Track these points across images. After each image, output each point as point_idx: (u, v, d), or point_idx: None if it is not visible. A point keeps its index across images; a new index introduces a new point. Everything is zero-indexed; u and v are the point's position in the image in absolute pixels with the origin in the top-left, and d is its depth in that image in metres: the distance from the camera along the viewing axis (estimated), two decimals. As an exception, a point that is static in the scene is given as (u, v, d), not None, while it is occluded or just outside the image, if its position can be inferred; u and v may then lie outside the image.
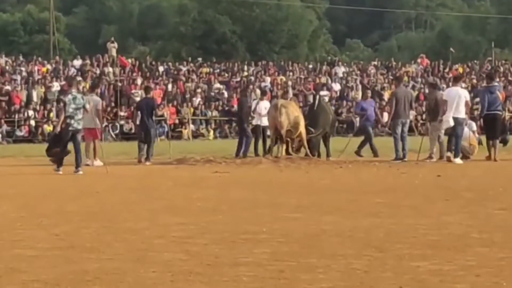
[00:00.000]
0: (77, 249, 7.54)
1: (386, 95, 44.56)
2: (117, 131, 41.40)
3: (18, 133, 40.14)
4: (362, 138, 24.00)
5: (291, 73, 51.61)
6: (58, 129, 19.05)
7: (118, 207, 11.23)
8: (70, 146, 18.61)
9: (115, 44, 50.97)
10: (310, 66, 55.65)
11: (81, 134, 19.32)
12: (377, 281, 5.97)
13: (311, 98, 39.25)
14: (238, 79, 49.78)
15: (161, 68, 50.41)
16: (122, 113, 42.34)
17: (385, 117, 25.26)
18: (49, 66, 48.05)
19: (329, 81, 50.49)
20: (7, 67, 46.72)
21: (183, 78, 48.32)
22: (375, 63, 57.15)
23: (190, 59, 54.71)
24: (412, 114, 23.99)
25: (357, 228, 8.67)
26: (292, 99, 25.38)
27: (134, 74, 47.81)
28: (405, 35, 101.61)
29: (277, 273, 6.27)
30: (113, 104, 42.56)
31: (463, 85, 23.47)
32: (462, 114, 20.13)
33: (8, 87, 43.26)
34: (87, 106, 18.71)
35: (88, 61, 48.81)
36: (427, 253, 7.08)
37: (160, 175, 17.69)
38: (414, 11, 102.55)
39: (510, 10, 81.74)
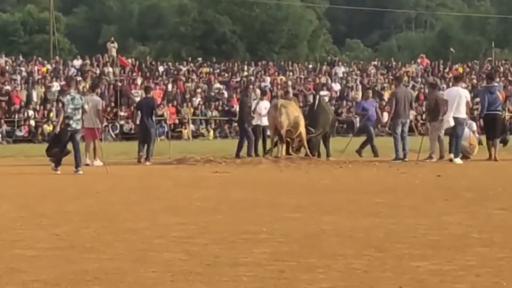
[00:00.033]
0: (77, 249, 7.54)
1: (386, 95, 44.56)
2: (117, 131, 41.41)
3: (18, 133, 40.15)
4: (363, 138, 24.00)
5: (291, 73, 51.62)
6: (58, 129, 19.05)
7: (118, 207, 11.23)
8: (70, 146, 18.62)
9: (115, 44, 50.99)
10: (310, 66, 55.66)
11: (80, 134, 19.32)
12: (377, 281, 5.97)
13: (311, 98, 39.27)
14: (238, 79, 49.79)
15: (161, 68, 50.42)
16: (122, 113, 42.35)
17: (385, 117, 25.25)
18: (49, 66, 48.06)
19: (329, 81, 50.50)
20: (7, 67, 46.73)
21: (183, 78, 48.33)
22: (375, 63, 57.17)
23: (190, 59, 54.72)
24: (412, 114, 23.99)
25: (357, 228, 8.67)
26: (292, 99, 25.35)
27: (134, 74, 47.83)
28: (405, 35, 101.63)
29: (277, 273, 6.27)
30: (113, 104, 42.56)
31: (463, 85, 23.43)
32: (462, 114, 20.14)
33: (8, 87, 43.27)
34: (86, 106, 18.73)
35: (88, 61, 48.83)
36: (427, 253, 7.08)
37: (160, 175, 17.69)
38: (414, 11, 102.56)
39: (510, 10, 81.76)
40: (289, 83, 48.89)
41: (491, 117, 20.63)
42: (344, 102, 46.94)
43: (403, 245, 7.50)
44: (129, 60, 50.88)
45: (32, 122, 40.60)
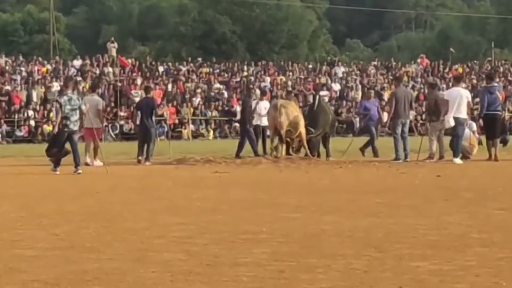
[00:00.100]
0: (77, 249, 7.54)
1: (386, 95, 44.57)
2: (117, 131, 41.41)
3: (18, 133, 40.16)
4: (365, 137, 23.98)
5: (291, 73, 51.62)
6: (56, 129, 19.09)
7: (118, 207, 11.23)
8: (69, 146, 18.63)
9: (115, 44, 50.98)
10: (310, 66, 55.65)
11: (78, 135, 19.32)
12: (377, 281, 5.97)
13: (311, 98, 39.29)
14: (238, 79, 49.80)
15: (161, 68, 50.42)
16: (122, 113, 42.35)
17: (385, 117, 25.25)
18: (49, 66, 48.06)
19: (329, 81, 50.51)
20: (7, 67, 46.73)
21: (183, 78, 48.33)
22: (375, 63, 57.17)
23: (190, 59, 54.72)
24: (412, 114, 23.99)
25: (356, 228, 8.68)
26: (292, 99, 25.35)
27: (134, 74, 47.83)
28: (405, 35, 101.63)
29: (277, 273, 6.27)
30: (113, 104, 42.56)
31: (463, 85, 23.45)
32: (463, 114, 20.15)
33: (8, 87, 43.27)
34: (83, 107, 18.77)
35: (88, 61, 48.83)
36: (426, 253, 7.08)
37: (160, 175, 17.70)
38: (414, 11, 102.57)
39: (510, 10, 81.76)
40: (289, 83, 48.89)
41: (491, 117, 20.63)
42: (344, 102, 46.96)
43: (402, 245, 7.50)
44: (129, 60, 50.89)
45: (32, 122, 40.61)
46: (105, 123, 32.93)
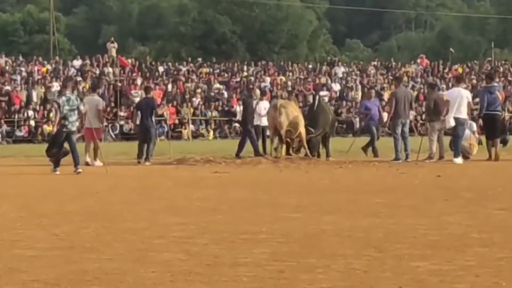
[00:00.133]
0: (77, 249, 7.54)
1: (386, 95, 44.58)
2: (117, 131, 41.41)
3: (18, 133, 40.16)
4: (367, 137, 23.98)
5: (290, 73, 51.62)
6: (55, 130, 19.13)
7: (118, 207, 11.23)
8: (68, 146, 18.65)
9: (115, 44, 50.98)
10: (310, 66, 55.64)
11: (78, 135, 19.34)
12: (377, 281, 5.97)
13: (311, 98, 39.29)
14: (238, 79, 49.79)
15: (161, 68, 50.42)
16: (122, 113, 42.35)
17: (385, 117, 25.26)
18: (49, 66, 48.06)
19: (329, 81, 50.50)
20: (7, 67, 46.73)
21: (183, 78, 48.33)
22: (375, 63, 57.17)
23: (190, 59, 54.72)
24: (412, 114, 23.99)
25: (356, 228, 8.68)
26: (292, 99, 25.36)
27: (134, 74, 47.82)
28: (405, 35, 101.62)
29: (276, 273, 6.27)
30: (113, 104, 42.56)
31: (463, 85, 23.44)
32: (463, 114, 20.15)
33: (8, 87, 43.27)
34: (82, 107, 18.80)
35: (88, 61, 48.82)
36: (426, 253, 7.08)
37: (160, 175, 17.70)
38: (414, 11, 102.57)
39: (510, 10, 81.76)
40: (289, 83, 48.89)
41: (491, 117, 20.64)
42: (344, 102, 46.95)
43: (402, 245, 7.50)
44: (129, 60, 50.88)
45: (32, 122, 40.61)
46: (105, 123, 32.98)
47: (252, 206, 11.01)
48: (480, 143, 22.53)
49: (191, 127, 42.70)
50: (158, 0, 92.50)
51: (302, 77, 51.00)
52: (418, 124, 38.33)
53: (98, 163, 20.81)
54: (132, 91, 44.25)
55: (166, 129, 34.45)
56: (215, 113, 44.67)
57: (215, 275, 6.21)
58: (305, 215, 9.95)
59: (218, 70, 51.50)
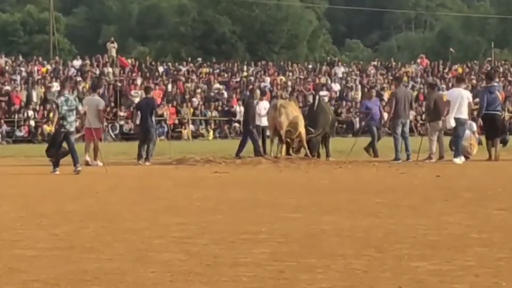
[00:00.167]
0: (77, 249, 7.54)
1: (386, 96, 44.59)
2: (117, 131, 41.41)
3: (18, 133, 40.16)
4: (369, 137, 23.98)
5: (290, 73, 51.62)
6: (53, 130, 19.16)
7: (118, 207, 11.23)
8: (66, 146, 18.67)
9: (115, 44, 50.98)
10: (310, 66, 55.64)
11: (78, 135, 19.37)
12: (376, 281, 5.98)
13: (310, 98, 39.29)
14: (238, 79, 49.79)
15: (160, 68, 50.42)
16: (121, 113, 42.35)
17: (385, 117, 25.26)
18: (48, 66, 48.06)
19: (329, 81, 50.51)
20: (7, 67, 46.73)
21: (183, 78, 48.33)
22: (375, 63, 57.16)
23: (189, 59, 54.72)
24: (412, 114, 24.00)
25: (356, 228, 8.68)
26: (292, 99, 25.36)
27: (134, 74, 47.82)
28: (404, 35, 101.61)
29: (276, 273, 6.28)
30: (112, 104, 42.57)
31: (464, 86, 23.44)
32: (464, 114, 20.15)
33: (8, 87, 43.27)
34: (80, 107, 18.84)
35: (88, 62, 48.83)
36: (426, 253, 7.08)
37: (160, 175, 17.70)
38: (413, 12, 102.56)
39: (510, 10, 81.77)
40: (289, 83, 48.88)
41: (490, 117, 20.65)
42: (344, 102, 46.96)
43: (402, 245, 7.51)
44: (129, 61, 50.88)
45: (32, 122, 40.61)
46: (105, 123, 33.00)
47: (252, 206, 11.01)
48: (480, 143, 22.53)
49: (191, 127, 42.70)
50: (158, 0, 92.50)
51: (302, 77, 51.01)
52: (418, 124, 38.32)
53: (98, 163, 20.81)
54: (132, 91, 44.25)
55: (166, 129, 34.47)
56: (215, 113, 44.68)
57: (215, 275, 6.21)
58: (305, 215, 9.95)
59: (218, 70, 51.50)
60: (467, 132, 21.00)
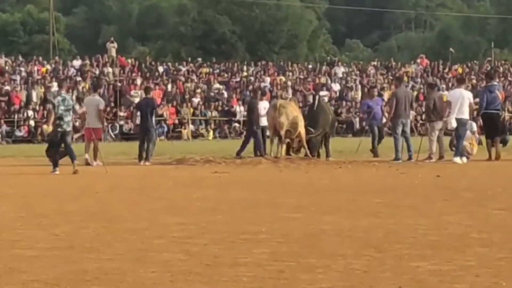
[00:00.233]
0: (76, 249, 7.54)
1: (386, 95, 44.58)
2: (117, 131, 41.42)
3: (18, 133, 40.17)
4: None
5: (290, 73, 51.62)
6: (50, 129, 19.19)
7: (118, 207, 11.23)
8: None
9: (115, 44, 50.97)
10: (310, 66, 55.64)
11: (78, 135, 19.38)
12: (376, 281, 5.97)
13: (310, 98, 39.29)
14: (238, 79, 49.79)
15: (160, 68, 50.42)
16: (121, 113, 42.35)
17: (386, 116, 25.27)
18: (48, 66, 48.07)
19: (329, 81, 50.51)
20: (6, 67, 46.74)
21: (183, 78, 48.34)
22: (375, 63, 57.17)
23: (189, 59, 54.72)
24: (412, 114, 24.00)
25: (356, 228, 8.68)
26: (292, 99, 25.41)
27: (134, 74, 47.82)
28: (404, 35, 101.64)
29: (276, 273, 6.27)
30: (112, 104, 42.57)
31: (465, 86, 23.48)
32: (465, 115, 20.16)
33: (7, 87, 43.28)
34: (77, 107, 18.86)
35: (87, 62, 48.83)
36: (426, 253, 7.08)
37: (160, 175, 17.70)
38: (413, 12, 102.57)
39: (510, 10, 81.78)
40: (289, 83, 48.88)
41: (490, 116, 20.66)
42: (344, 102, 46.96)
43: (402, 245, 7.50)
44: (129, 61, 50.88)
45: (32, 122, 40.62)
46: (105, 123, 33.01)
47: (252, 206, 11.01)
48: (480, 143, 22.54)
49: (191, 127, 42.71)
50: (158, 0, 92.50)
51: (302, 77, 51.01)
52: (418, 124, 38.32)
53: (98, 163, 20.80)
54: (132, 91, 44.25)
55: (165, 129, 34.48)
56: (215, 113, 44.68)
57: (215, 275, 6.21)
58: (305, 215, 9.95)
59: (218, 70, 51.51)
60: (467, 132, 20.99)
